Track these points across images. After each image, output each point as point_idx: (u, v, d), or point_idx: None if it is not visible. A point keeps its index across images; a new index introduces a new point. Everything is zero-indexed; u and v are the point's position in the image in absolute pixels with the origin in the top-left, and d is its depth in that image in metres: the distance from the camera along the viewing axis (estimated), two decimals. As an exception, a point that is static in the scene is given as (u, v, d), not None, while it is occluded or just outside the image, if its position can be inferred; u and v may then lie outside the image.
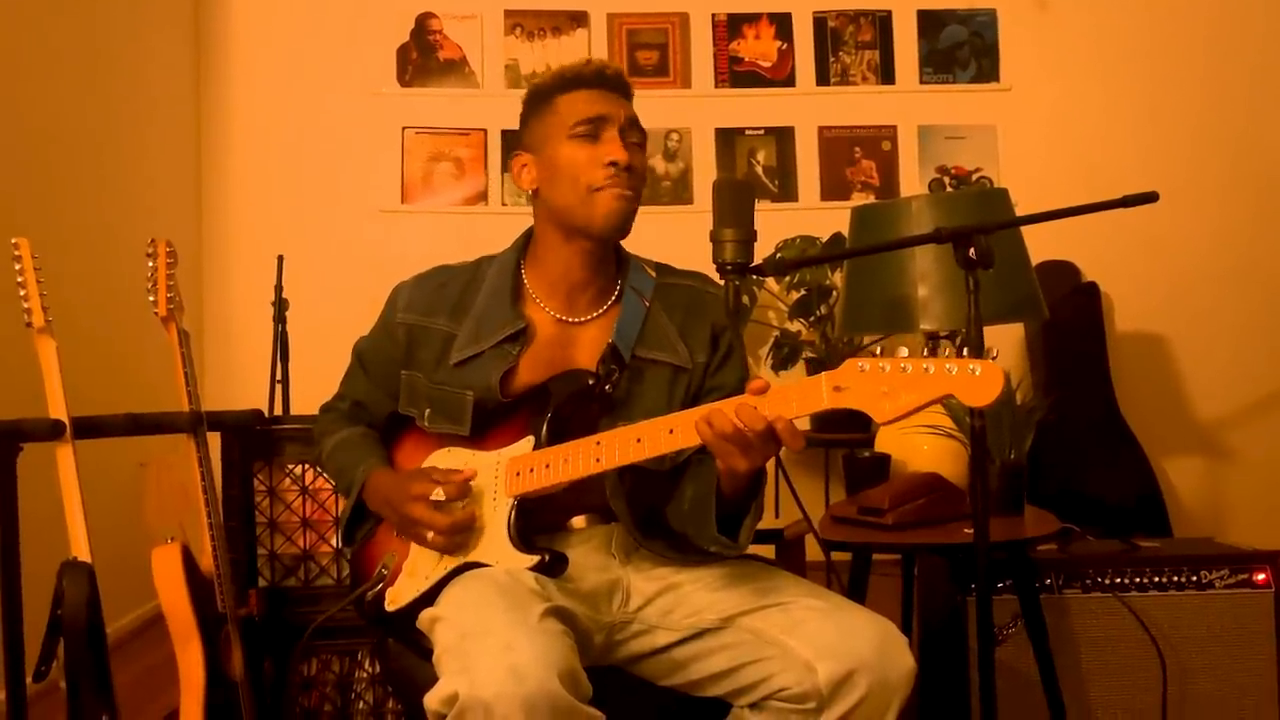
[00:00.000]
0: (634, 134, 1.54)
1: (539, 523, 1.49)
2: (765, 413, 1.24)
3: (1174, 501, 3.82)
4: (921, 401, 1.17)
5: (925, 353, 1.19)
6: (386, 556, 1.54)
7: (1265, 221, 4.02)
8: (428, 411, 1.56)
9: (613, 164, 1.49)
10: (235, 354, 3.91)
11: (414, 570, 1.50)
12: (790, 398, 1.24)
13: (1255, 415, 4.01)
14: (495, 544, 1.44)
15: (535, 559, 1.41)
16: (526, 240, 1.63)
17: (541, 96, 1.56)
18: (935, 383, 1.16)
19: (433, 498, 1.45)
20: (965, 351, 1.26)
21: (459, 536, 1.45)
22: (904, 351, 1.20)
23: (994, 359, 1.18)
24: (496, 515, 1.46)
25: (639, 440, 1.35)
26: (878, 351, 1.22)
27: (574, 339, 1.56)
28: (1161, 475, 3.74)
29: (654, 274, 1.62)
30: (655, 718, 1.46)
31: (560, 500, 1.49)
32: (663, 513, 1.52)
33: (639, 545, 1.50)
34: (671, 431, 1.33)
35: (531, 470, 1.44)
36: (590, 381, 1.49)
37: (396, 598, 1.50)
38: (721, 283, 1.46)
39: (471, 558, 1.45)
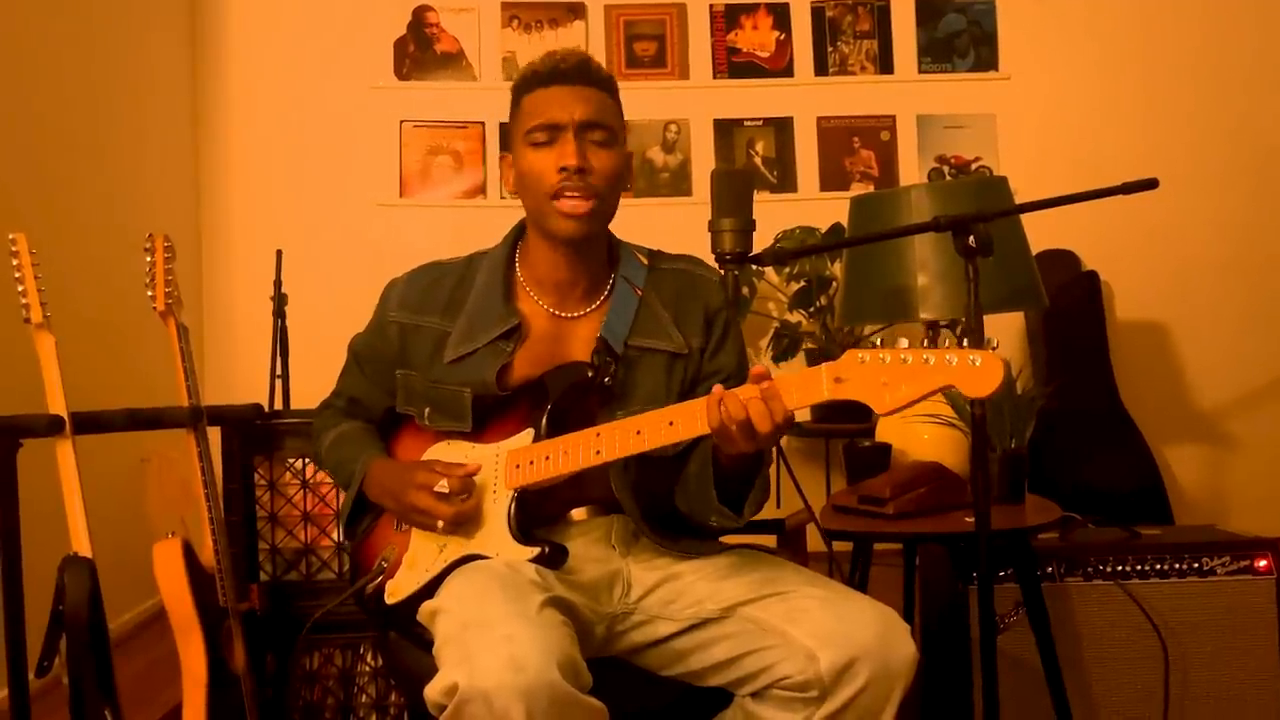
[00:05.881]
0: (594, 132, 1.49)
1: (539, 515, 1.49)
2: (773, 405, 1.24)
3: (1175, 489, 3.82)
4: (921, 393, 1.17)
5: (925, 343, 1.19)
6: (386, 549, 1.54)
7: (1264, 208, 4.01)
8: (427, 410, 1.56)
9: (563, 169, 1.46)
10: (235, 348, 3.91)
11: (414, 563, 1.50)
12: (791, 389, 1.25)
13: (1256, 402, 4.01)
14: (495, 536, 1.45)
15: (535, 551, 1.41)
16: (518, 235, 1.63)
17: (513, 97, 1.56)
18: (935, 374, 1.16)
19: (436, 489, 1.45)
20: (965, 341, 1.26)
21: (464, 527, 1.46)
22: (904, 343, 1.20)
23: (994, 349, 1.18)
24: (496, 507, 1.46)
25: (639, 432, 1.35)
26: (878, 342, 1.21)
27: (568, 334, 1.56)
28: (1162, 463, 3.74)
29: (645, 261, 1.61)
30: (657, 708, 1.46)
31: (560, 492, 1.49)
32: (672, 496, 1.52)
33: (647, 537, 1.50)
34: (671, 423, 1.33)
35: (531, 463, 1.44)
36: (589, 374, 1.49)
37: (396, 590, 1.50)
38: (714, 265, 1.45)
39: (471, 550, 1.45)
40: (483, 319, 1.55)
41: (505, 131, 1.60)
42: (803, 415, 3.67)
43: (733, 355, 1.59)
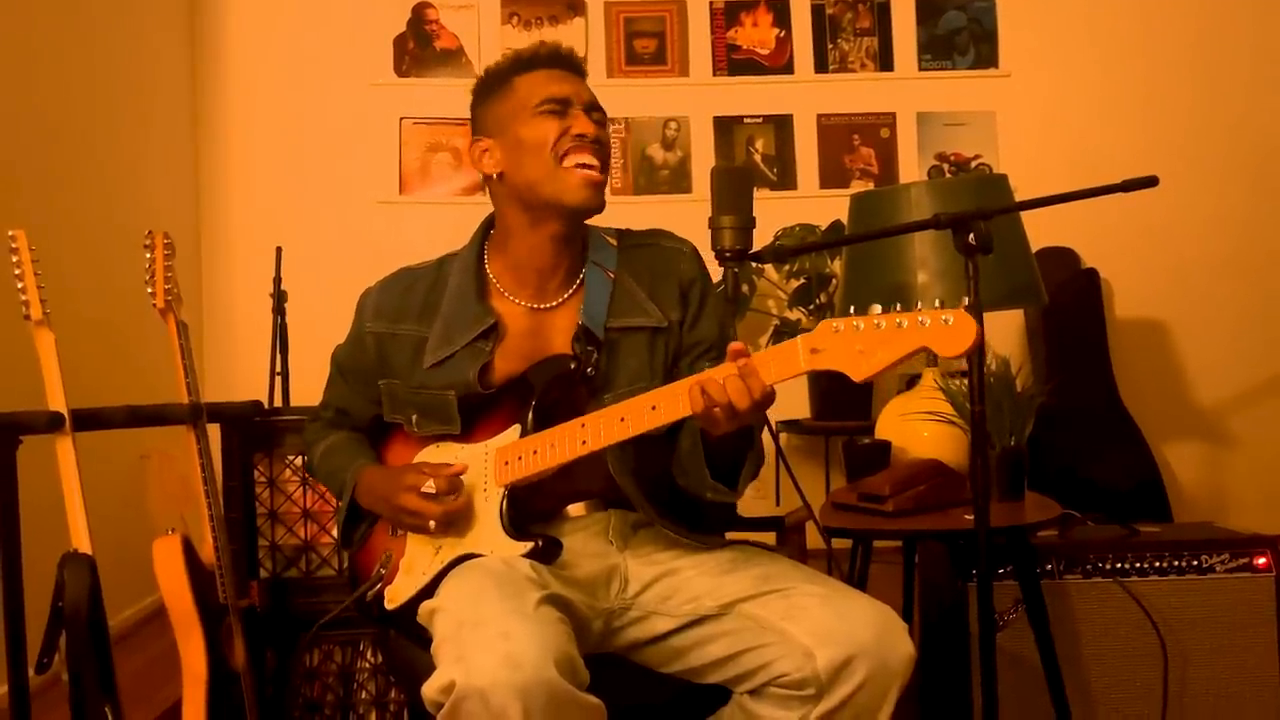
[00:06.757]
0: (596, 113, 1.54)
1: (535, 512, 1.49)
2: (752, 383, 1.24)
3: (1174, 486, 3.82)
4: (897, 356, 1.17)
5: (898, 307, 1.18)
6: (383, 555, 1.55)
7: (1263, 205, 4.01)
8: (414, 416, 1.56)
9: (580, 135, 1.49)
10: (234, 346, 3.91)
11: (410, 567, 1.50)
12: (768, 364, 1.25)
13: (1255, 400, 4.01)
14: (489, 533, 1.45)
15: (528, 545, 1.41)
16: (485, 232, 1.63)
17: (497, 80, 1.56)
18: (909, 336, 1.16)
19: (423, 489, 1.45)
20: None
21: (455, 526, 1.46)
22: (877, 308, 1.19)
23: (966, 307, 1.16)
24: (488, 506, 1.46)
25: (623, 419, 1.35)
26: (850, 310, 1.20)
27: (546, 325, 1.56)
28: (1162, 460, 3.74)
29: (614, 242, 1.61)
30: (655, 705, 1.46)
31: (556, 488, 1.49)
32: (670, 477, 1.52)
33: (657, 523, 1.49)
34: (654, 408, 1.33)
35: (520, 458, 1.45)
36: (572, 366, 1.49)
37: (395, 595, 1.50)
38: (682, 237, 1.45)
39: (466, 549, 1.46)
40: (459, 321, 1.55)
41: (479, 116, 1.59)
42: (802, 413, 3.67)
43: (713, 324, 1.59)
